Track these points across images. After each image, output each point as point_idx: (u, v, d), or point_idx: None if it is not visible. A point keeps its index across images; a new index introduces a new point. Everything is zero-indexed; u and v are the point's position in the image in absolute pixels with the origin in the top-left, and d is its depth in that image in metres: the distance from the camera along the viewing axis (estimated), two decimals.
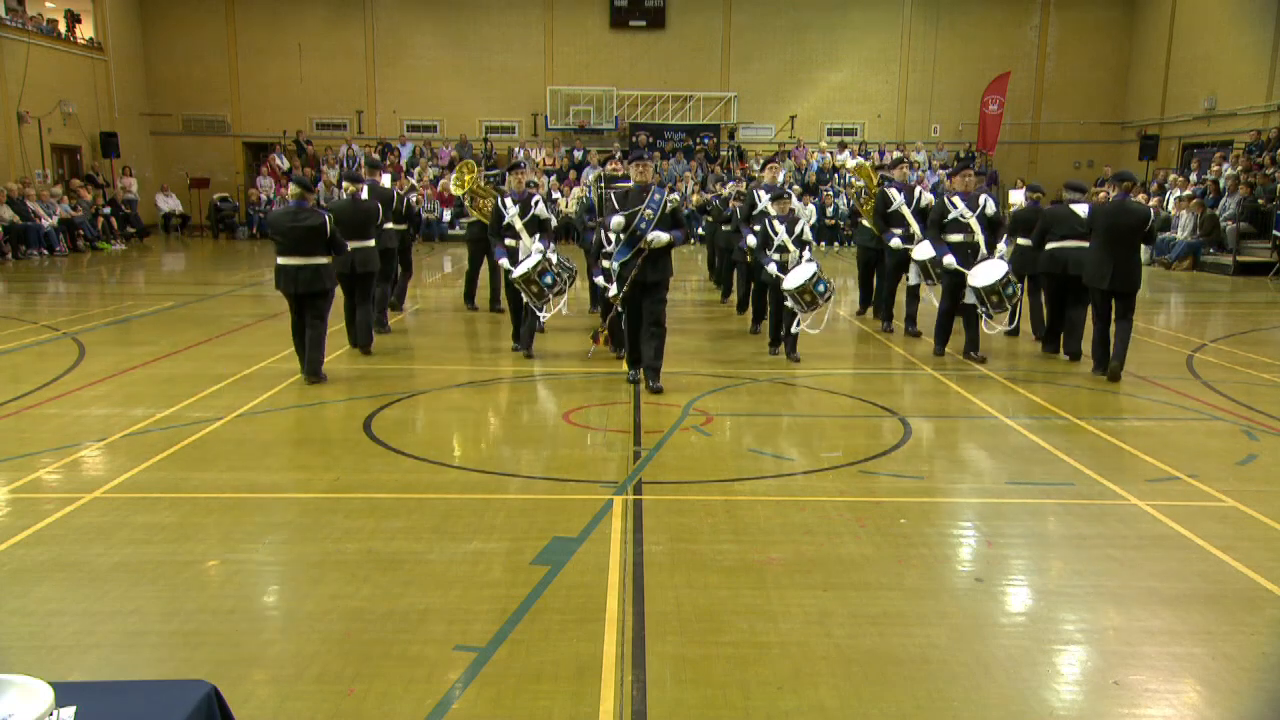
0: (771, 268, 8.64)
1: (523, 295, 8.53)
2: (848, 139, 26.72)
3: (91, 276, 16.40)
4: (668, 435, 6.32)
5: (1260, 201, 18.28)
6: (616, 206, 7.38)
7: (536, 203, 8.80)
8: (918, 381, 8.22)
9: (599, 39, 26.37)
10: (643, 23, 26.16)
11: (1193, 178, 21.10)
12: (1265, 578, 4.16)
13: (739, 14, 26.32)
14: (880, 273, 11.15)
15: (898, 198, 10.36)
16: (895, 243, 10.29)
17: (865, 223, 11.26)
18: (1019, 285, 8.55)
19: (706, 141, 26.42)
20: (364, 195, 9.36)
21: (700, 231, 16.89)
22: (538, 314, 8.73)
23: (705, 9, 26.25)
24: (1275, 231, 17.50)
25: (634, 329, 7.70)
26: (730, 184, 13.24)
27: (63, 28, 22.80)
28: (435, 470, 5.65)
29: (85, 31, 23.64)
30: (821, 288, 8.34)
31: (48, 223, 19.43)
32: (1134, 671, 3.41)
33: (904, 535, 4.66)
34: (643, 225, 7.25)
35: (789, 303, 8.53)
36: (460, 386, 7.86)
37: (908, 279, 10.40)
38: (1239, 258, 17.55)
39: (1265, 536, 4.69)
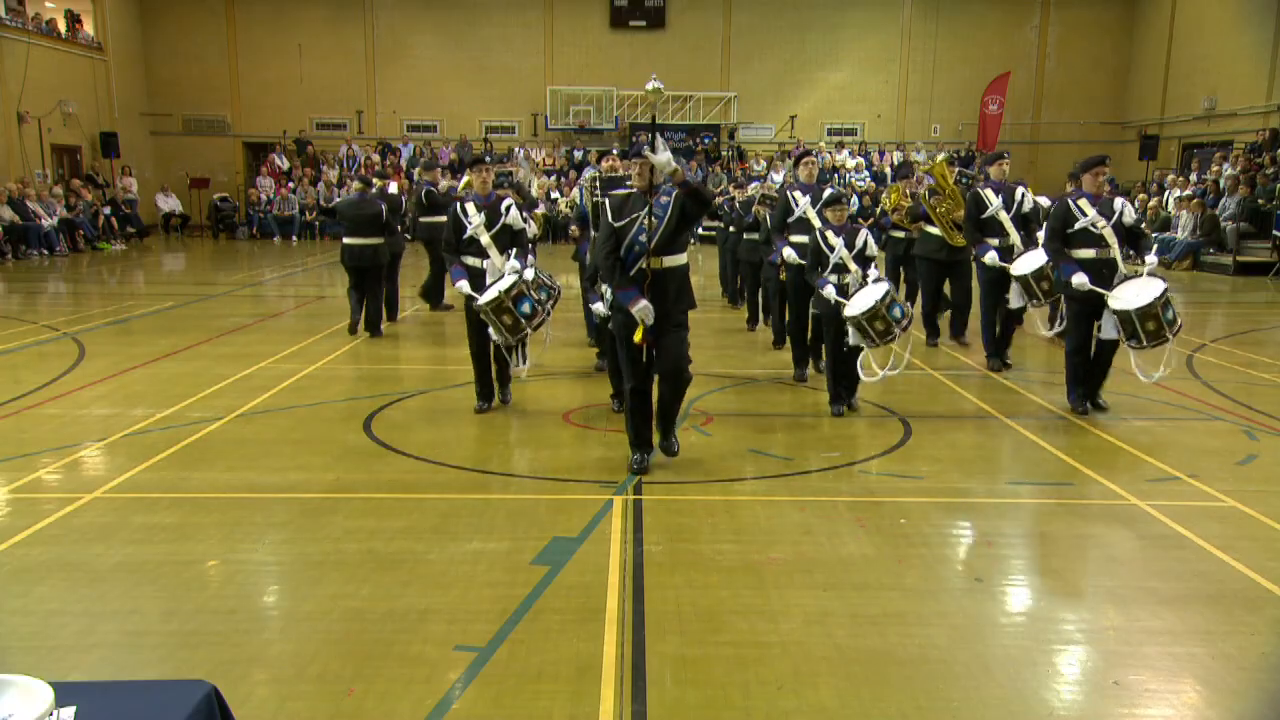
0: (829, 291, 6.70)
1: (491, 331, 6.55)
2: (847, 139, 26.73)
3: (91, 276, 16.41)
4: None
5: (1260, 201, 18.29)
6: (611, 218, 5.47)
7: (509, 209, 6.72)
8: (918, 381, 8.21)
9: (599, 39, 26.37)
10: (643, 23, 26.16)
11: (1193, 178, 21.10)
12: (1265, 578, 4.16)
13: (739, 14, 26.32)
14: (955, 291, 9.48)
15: (995, 201, 8.32)
16: (990, 257, 8.22)
17: (932, 230, 9.23)
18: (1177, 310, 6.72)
19: (707, 142, 26.43)
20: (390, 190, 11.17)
21: (707, 232, 15.97)
22: (512, 361, 6.90)
23: (705, 9, 26.25)
24: (1275, 231, 17.50)
25: (639, 379, 5.53)
26: (754, 184, 11.32)
27: (63, 28, 22.79)
28: (435, 470, 5.65)
29: (85, 31, 23.63)
30: (898, 312, 6.51)
31: (48, 223, 19.43)
32: (1134, 671, 3.41)
33: (904, 535, 4.66)
34: (641, 239, 5.30)
35: (851, 337, 6.64)
36: (460, 386, 7.85)
37: (1008, 301, 8.34)
38: (1239, 258, 17.54)
39: (1265, 536, 4.69)
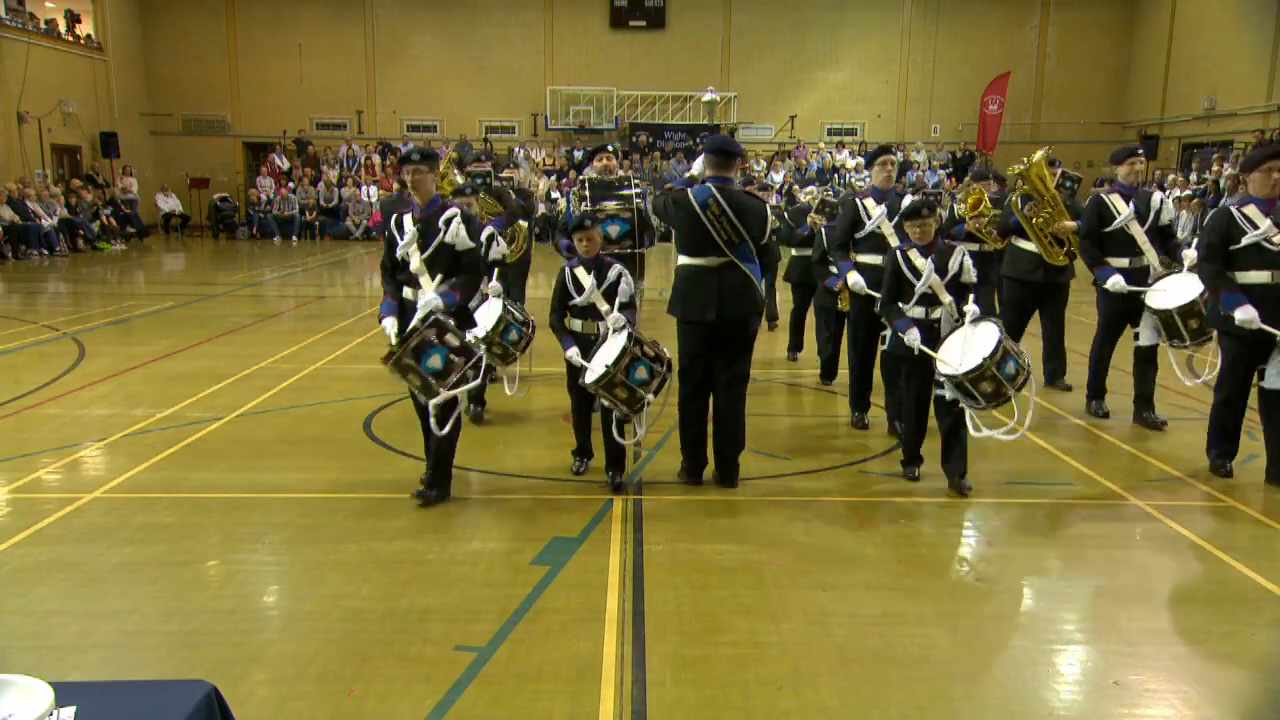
0: (912, 336, 5.21)
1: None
2: (847, 139, 26.74)
3: (91, 276, 16.40)
4: (668, 435, 6.31)
5: None
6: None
7: (450, 222, 4.97)
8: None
9: (599, 39, 26.37)
10: (643, 23, 26.17)
11: (1193, 178, 21.11)
12: (1265, 578, 4.16)
13: (739, 14, 26.32)
14: (1046, 323, 7.78)
15: (1124, 209, 6.51)
16: (1115, 282, 6.40)
17: (1025, 244, 7.52)
18: None
19: (706, 142, 26.42)
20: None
21: None
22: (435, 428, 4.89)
23: (705, 9, 26.26)
24: None
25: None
26: (810, 187, 9.98)
27: (62, 27, 22.80)
28: None
29: (85, 31, 23.64)
30: (1012, 368, 4.89)
31: (48, 223, 19.43)
32: (1134, 671, 3.41)
33: (904, 535, 4.66)
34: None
35: (947, 392, 5.13)
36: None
37: (1136, 340, 6.59)
38: None
39: (1265, 536, 4.69)
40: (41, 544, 4.45)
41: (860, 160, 25.91)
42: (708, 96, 7.00)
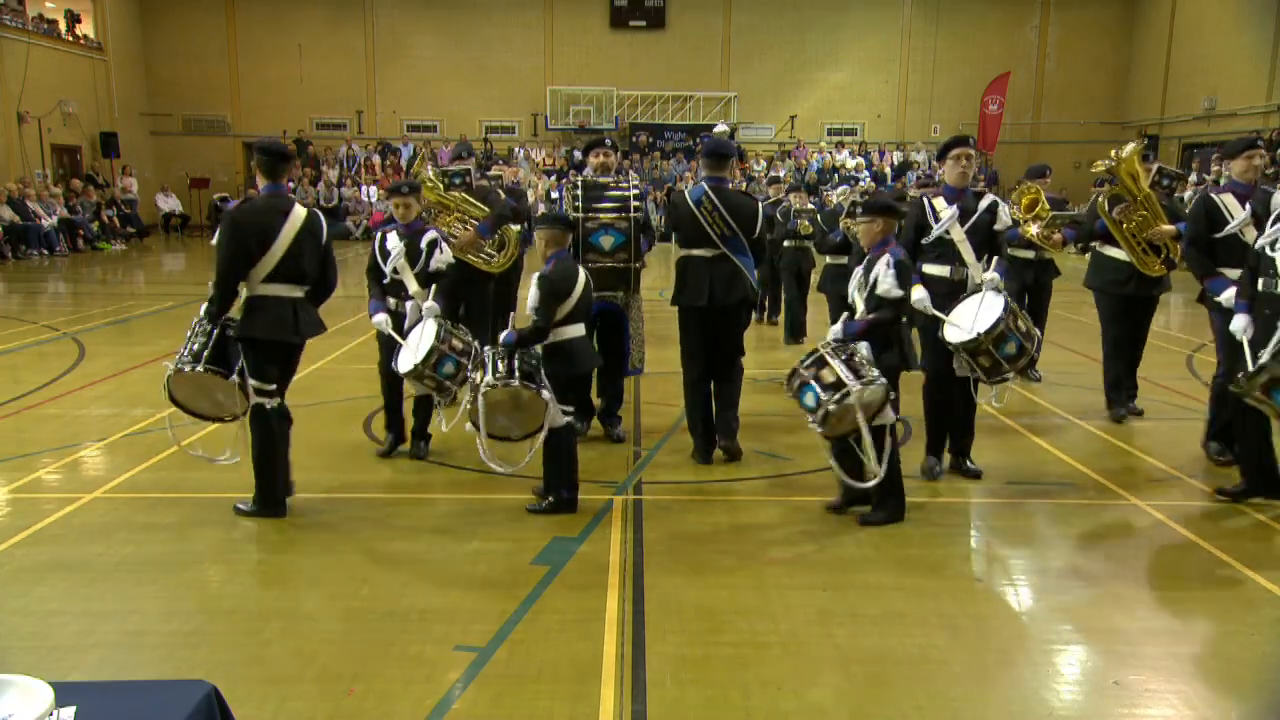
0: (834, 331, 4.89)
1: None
2: (847, 139, 26.75)
3: (91, 276, 16.40)
4: (668, 435, 6.32)
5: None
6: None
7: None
8: (917, 381, 8.19)
9: (599, 39, 26.39)
10: (643, 23, 26.18)
11: (1193, 178, 21.11)
12: (1265, 578, 4.16)
13: (739, 14, 26.33)
14: (1134, 335, 6.72)
15: (1240, 213, 5.43)
16: (1228, 296, 5.25)
17: (1113, 252, 6.55)
18: None
19: (704, 144, 26.43)
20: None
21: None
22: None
23: (705, 9, 26.27)
24: None
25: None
26: (843, 186, 9.60)
27: (63, 27, 22.80)
28: (435, 470, 5.65)
29: (85, 31, 23.64)
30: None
31: (48, 223, 19.43)
32: (1134, 671, 3.41)
33: (904, 535, 4.66)
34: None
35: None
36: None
37: (1251, 362, 4.96)
38: None
39: (1265, 536, 4.69)
40: (41, 544, 4.45)
41: (861, 160, 25.92)
42: (720, 127, 6.75)
